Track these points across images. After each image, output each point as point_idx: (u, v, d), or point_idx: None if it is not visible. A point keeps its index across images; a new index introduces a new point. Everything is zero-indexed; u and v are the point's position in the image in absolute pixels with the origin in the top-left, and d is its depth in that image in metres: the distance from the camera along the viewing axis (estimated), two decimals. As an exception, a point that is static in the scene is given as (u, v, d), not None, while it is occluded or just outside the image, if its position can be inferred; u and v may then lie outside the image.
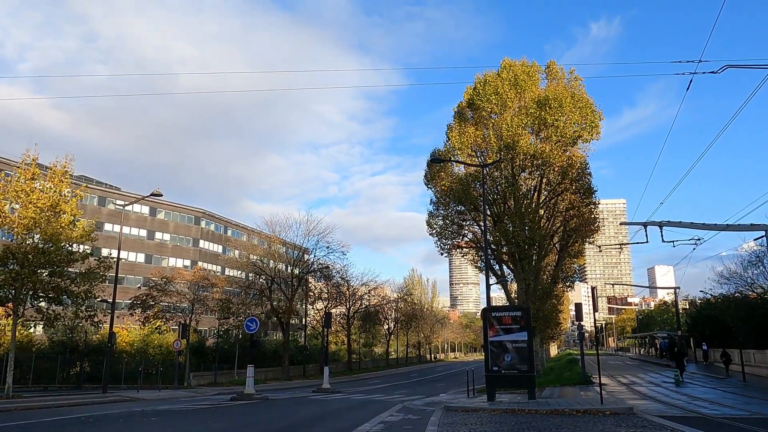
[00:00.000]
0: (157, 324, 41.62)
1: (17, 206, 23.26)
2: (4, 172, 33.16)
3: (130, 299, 42.77)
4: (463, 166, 31.06)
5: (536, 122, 29.29)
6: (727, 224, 27.03)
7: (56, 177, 24.21)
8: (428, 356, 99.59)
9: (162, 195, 30.74)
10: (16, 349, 25.35)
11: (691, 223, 27.95)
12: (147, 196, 32.73)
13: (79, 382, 35.25)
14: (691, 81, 18.52)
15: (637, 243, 33.67)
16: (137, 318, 41.75)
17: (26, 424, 14.06)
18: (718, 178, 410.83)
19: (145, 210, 67.78)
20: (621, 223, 56.13)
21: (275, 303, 48.29)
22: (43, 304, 24.67)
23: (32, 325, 37.98)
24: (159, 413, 17.16)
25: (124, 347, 40.92)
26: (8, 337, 27.29)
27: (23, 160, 24.12)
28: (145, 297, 40.65)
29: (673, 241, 29.09)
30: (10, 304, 23.74)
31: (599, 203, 33.87)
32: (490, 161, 29.02)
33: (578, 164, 30.83)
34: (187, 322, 39.50)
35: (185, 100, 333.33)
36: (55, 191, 24.14)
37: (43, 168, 24.91)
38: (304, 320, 60.70)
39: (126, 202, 37.17)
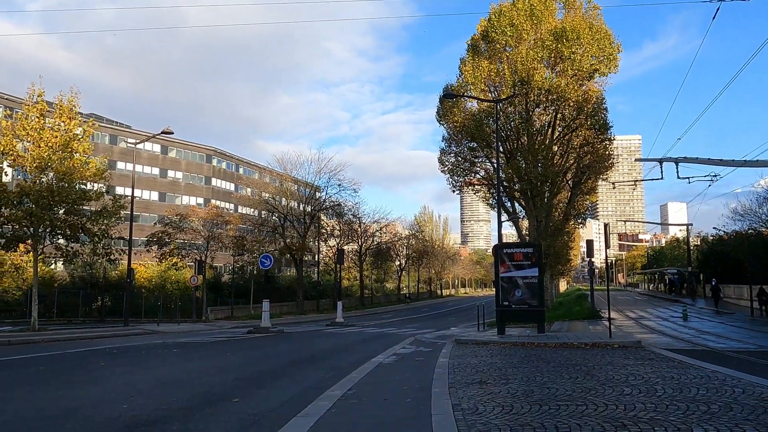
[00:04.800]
0: (174, 261, 42.50)
1: (29, 144, 23.28)
2: (14, 110, 33.11)
3: (146, 237, 43.54)
4: (476, 101, 30.46)
5: (552, 55, 28.41)
6: (745, 160, 26.52)
7: (64, 114, 24.03)
8: (439, 291, 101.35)
9: (173, 133, 30.61)
10: (39, 285, 26.07)
11: (708, 159, 27.46)
12: (158, 134, 32.62)
13: (101, 316, 36.48)
14: (718, 9, 17.74)
15: (652, 180, 33.09)
16: (154, 255, 42.61)
17: (54, 355, 14.64)
18: (737, 114, 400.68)
19: (157, 148, 67.78)
20: (636, 160, 55.27)
21: (288, 240, 48.99)
22: (62, 241, 25.13)
23: (53, 262, 38.93)
24: (180, 345, 17.77)
25: (142, 283, 42.01)
26: (30, 273, 28.04)
27: (29, 96, 23.88)
28: (160, 234, 41.34)
29: (688, 178, 28.67)
30: (29, 242, 24.26)
31: (614, 139, 33.28)
32: (504, 96, 28.40)
33: (594, 99, 30.12)
34: (203, 258, 40.25)
35: (195, 39, 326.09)
36: (66, 130, 24.04)
37: (51, 105, 24.71)
38: (317, 257, 61.60)
39: (137, 141, 37.06)
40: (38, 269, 25.48)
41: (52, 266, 41.15)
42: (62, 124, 24.02)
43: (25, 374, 11.18)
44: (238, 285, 46.47)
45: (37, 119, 23.50)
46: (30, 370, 11.78)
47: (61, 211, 24.15)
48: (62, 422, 6.45)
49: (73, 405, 7.57)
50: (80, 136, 24.61)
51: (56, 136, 23.46)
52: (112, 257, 27.79)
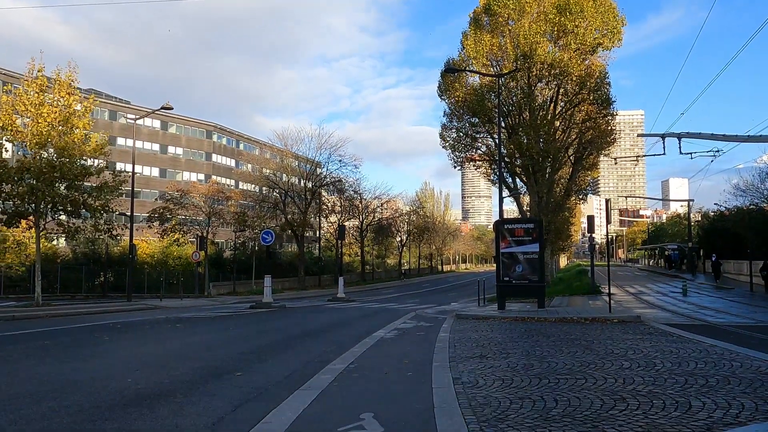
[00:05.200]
0: (176, 236, 42.60)
1: (29, 120, 23.15)
2: (12, 85, 32.84)
3: (147, 213, 43.62)
4: (478, 76, 30.17)
5: (555, 29, 28.06)
6: (748, 135, 26.39)
7: (63, 89, 23.80)
8: (440, 267, 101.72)
9: (172, 108, 30.47)
10: (42, 261, 26.19)
11: (712, 134, 27.29)
12: (158, 110, 32.47)
13: (104, 292, 36.73)
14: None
15: (654, 155, 33.16)
16: (156, 231, 42.72)
17: (58, 330, 14.79)
18: (741, 89, 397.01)
19: (157, 124, 67.46)
20: (638, 135, 55.01)
21: (289, 216, 49.00)
22: (63, 217, 25.16)
23: (55, 238, 39.10)
24: (183, 320, 17.92)
25: (144, 259, 42.17)
26: (33, 249, 28.16)
27: (29, 71, 23.66)
28: (162, 210, 41.36)
29: (691, 153, 28.61)
30: (31, 218, 24.30)
31: (617, 114, 33.03)
32: (505, 71, 28.12)
33: (597, 74, 29.78)
34: (205, 234, 40.34)
35: (195, 14, 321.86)
36: (65, 105, 23.85)
37: (50, 81, 24.49)
38: (318, 233, 61.75)
39: (137, 116, 36.86)
40: (41, 245, 25.53)
41: (55, 242, 41.27)
42: (61, 99, 23.84)
43: (29, 349, 11.30)
44: (240, 261, 46.64)
45: (36, 95, 23.30)
46: (34, 344, 11.90)
47: (62, 187, 24.11)
48: (67, 396, 6.54)
49: (78, 379, 7.66)
50: (80, 112, 24.45)
51: (55, 112, 23.31)
52: (114, 233, 27.84)
